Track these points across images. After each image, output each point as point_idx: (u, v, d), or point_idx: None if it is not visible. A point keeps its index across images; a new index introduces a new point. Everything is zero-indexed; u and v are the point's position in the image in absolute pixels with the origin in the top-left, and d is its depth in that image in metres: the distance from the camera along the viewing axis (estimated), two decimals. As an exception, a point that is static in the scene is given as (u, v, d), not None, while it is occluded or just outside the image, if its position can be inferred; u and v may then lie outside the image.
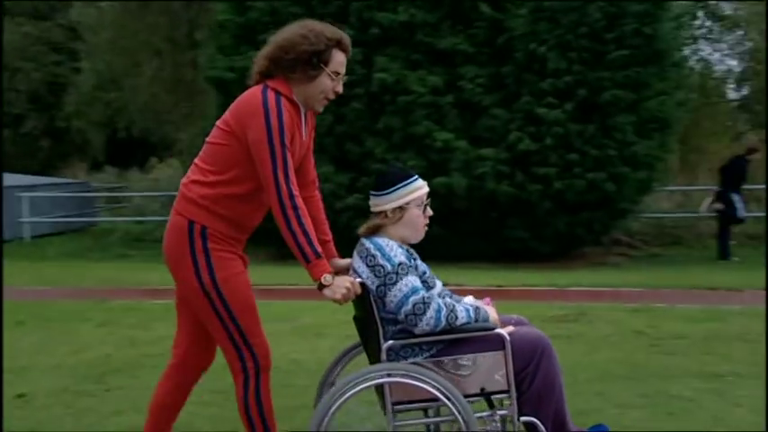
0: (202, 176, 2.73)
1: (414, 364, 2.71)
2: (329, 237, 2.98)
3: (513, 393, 2.73)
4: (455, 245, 10.90)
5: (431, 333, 2.69)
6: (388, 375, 2.65)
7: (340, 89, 2.79)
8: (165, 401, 2.90)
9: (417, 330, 2.69)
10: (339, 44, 2.75)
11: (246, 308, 2.74)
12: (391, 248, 2.75)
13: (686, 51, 15.75)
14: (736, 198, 11.15)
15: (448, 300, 2.78)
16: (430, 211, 2.90)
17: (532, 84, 10.92)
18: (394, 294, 2.69)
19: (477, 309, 2.77)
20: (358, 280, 2.71)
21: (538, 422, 2.74)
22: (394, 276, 2.70)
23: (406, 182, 2.85)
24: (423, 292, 2.69)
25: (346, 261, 2.91)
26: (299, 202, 2.61)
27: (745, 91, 18.52)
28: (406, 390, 2.67)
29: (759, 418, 3.74)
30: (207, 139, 2.78)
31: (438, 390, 2.62)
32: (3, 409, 3.92)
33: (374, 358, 2.81)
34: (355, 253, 2.85)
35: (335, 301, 2.63)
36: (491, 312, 2.82)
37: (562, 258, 11.63)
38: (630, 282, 8.89)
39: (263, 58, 2.76)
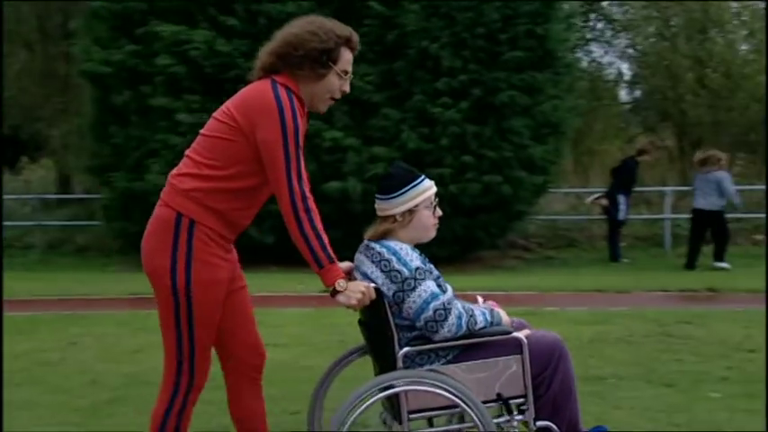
0: (197, 169, 2.63)
1: (430, 371, 2.71)
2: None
3: (530, 398, 2.76)
4: (353, 250, 10.86)
5: (449, 339, 2.70)
6: (405, 383, 2.65)
7: (347, 88, 2.77)
8: (245, 415, 2.84)
9: (437, 337, 2.69)
10: (348, 42, 2.73)
11: (209, 323, 2.65)
12: (406, 253, 2.74)
13: (578, 53, 16.42)
14: (621, 200, 11.63)
15: (465, 304, 2.77)
16: (439, 212, 2.89)
17: (425, 82, 11.06)
18: (413, 300, 2.68)
19: (492, 312, 2.79)
20: (372, 285, 2.67)
21: (554, 426, 2.77)
22: (412, 282, 2.69)
23: (413, 183, 2.83)
24: (443, 298, 2.69)
25: (347, 264, 2.84)
26: (312, 204, 2.57)
27: (637, 93, 19.47)
28: (422, 397, 2.68)
29: (638, 420, 3.89)
30: (202, 132, 2.70)
31: (457, 396, 2.62)
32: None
33: (383, 364, 2.81)
34: (362, 257, 2.81)
35: (349, 306, 2.61)
36: (503, 315, 2.84)
37: (459, 262, 11.81)
38: (523, 285, 9.12)
39: (268, 53, 2.69)
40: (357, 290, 2.60)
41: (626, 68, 18.91)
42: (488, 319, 2.76)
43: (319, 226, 2.57)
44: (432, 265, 2.80)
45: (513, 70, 10.99)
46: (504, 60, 10.96)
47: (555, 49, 11.20)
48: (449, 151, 11.02)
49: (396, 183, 2.82)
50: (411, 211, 2.82)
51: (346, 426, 2.58)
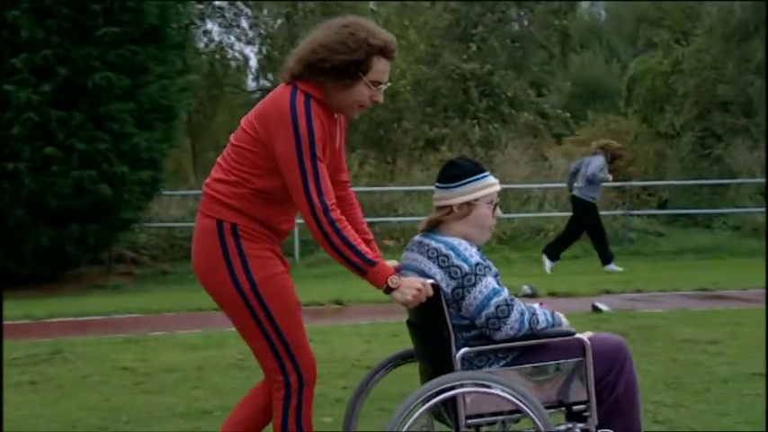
0: (225, 175, 2.98)
1: (489, 373, 2.87)
2: (370, 235, 3.18)
3: (593, 404, 2.89)
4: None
5: (511, 339, 2.87)
6: (472, 384, 2.81)
7: (379, 98, 3.00)
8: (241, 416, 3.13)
9: (498, 336, 2.87)
10: (383, 51, 2.93)
11: (289, 313, 2.98)
12: (465, 248, 2.93)
13: (194, 33, 16.59)
14: None
15: (525, 303, 2.94)
16: (499, 212, 3.07)
17: (-1, 57, 10.30)
18: (474, 297, 2.87)
19: (553, 314, 2.97)
20: (429, 281, 2.84)
21: None
22: (473, 278, 2.87)
23: (477, 176, 3.03)
24: (504, 294, 2.89)
25: (393, 263, 3.01)
26: (336, 214, 2.84)
27: (265, 82, 20.22)
28: (483, 401, 2.82)
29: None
30: (231, 140, 3.02)
31: (520, 400, 2.77)
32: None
33: (436, 368, 2.92)
34: (415, 255, 3.02)
35: (405, 303, 2.85)
36: (563, 318, 2.99)
37: (50, 282, 11.19)
38: (130, 307, 8.96)
39: (295, 60, 2.93)
40: (413, 286, 2.84)
41: (252, 53, 19.55)
42: (549, 319, 2.95)
43: (348, 234, 2.84)
44: (491, 262, 2.96)
45: (110, 46, 10.70)
46: (99, 36, 10.62)
47: (160, 24, 11.16)
48: (27, 142, 10.35)
49: (458, 172, 3.03)
50: (470, 204, 3.02)
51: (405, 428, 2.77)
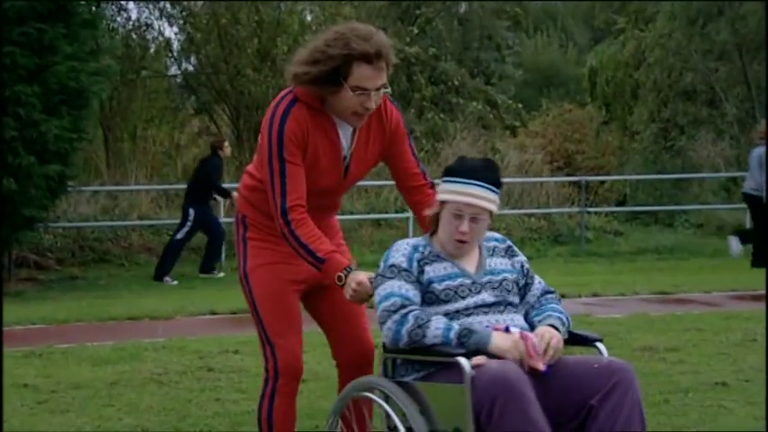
0: (247, 173, 3.64)
1: (396, 382, 3.12)
2: None
3: None
4: None
5: (397, 349, 3.11)
6: (356, 390, 3.20)
7: (369, 104, 3.31)
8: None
9: (384, 342, 3.15)
10: (364, 57, 3.23)
11: (269, 302, 3.47)
12: (399, 248, 3.25)
13: (108, 10, 16.34)
14: (191, 213, 12.00)
15: (438, 315, 3.10)
16: (464, 227, 3.18)
17: None
18: (375, 299, 3.17)
19: (469, 331, 3.05)
20: (371, 275, 3.23)
21: None
22: (379, 279, 3.18)
23: (455, 178, 3.23)
24: (395, 299, 3.10)
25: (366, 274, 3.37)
26: (293, 215, 3.31)
27: (189, 65, 20.00)
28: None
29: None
30: None
31: (397, 417, 3.03)
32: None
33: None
34: None
35: (350, 299, 3.29)
36: (497, 338, 3.04)
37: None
38: (31, 316, 8.81)
39: (289, 72, 3.36)
40: (354, 281, 3.25)
41: (173, 33, 19.30)
42: (451, 336, 3.03)
43: (301, 233, 3.30)
44: (435, 269, 3.20)
45: (14, 23, 10.48)
46: (2, 11, 10.40)
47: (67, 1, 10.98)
48: None
49: (452, 168, 3.27)
50: (441, 204, 3.26)
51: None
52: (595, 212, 16.59)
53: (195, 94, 19.21)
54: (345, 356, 3.66)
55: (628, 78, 21.26)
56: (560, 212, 16.20)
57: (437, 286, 3.19)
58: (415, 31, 19.22)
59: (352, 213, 14.75)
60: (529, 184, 16.85)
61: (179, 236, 12.21)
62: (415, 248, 3.25)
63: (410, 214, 13.61)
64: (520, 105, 20.83)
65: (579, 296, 9.76)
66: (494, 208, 3.27)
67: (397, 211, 15.12)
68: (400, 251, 3.23)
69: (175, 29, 18.91)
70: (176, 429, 4.86)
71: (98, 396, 5.56)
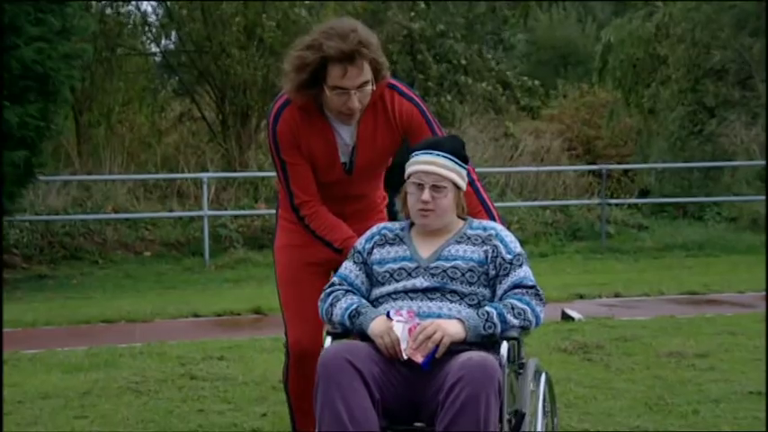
0: None
1: None
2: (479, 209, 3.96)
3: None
4: None
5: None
6: None
7: (353, 104, 3.68)
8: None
9: None
10: (337, 57, 3.59)
11: (286, 282, 4.06)
12: (371, 229, 3.74)
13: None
14: None
15: (350, 298, 3.57)
16: (425, 195, 3.56)
17: None
18: None
19: (358, 313, 3.51)
20: None
21: None
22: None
23: (417, 152, 3.65)
24: (335, 278, 3.66)
25: None
26: (304, 211, 3.91)
27: (169, 43, 19.99)
28: None
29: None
30: None
31: None
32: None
33: None
34: None
35: None
36: (375, 324, 3.43)
37: None
38: (-3, 319, 8.79)
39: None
40: None
41: (151, 7, 19.29)
42: (344, 317, 3.52)
43: (315, 226, 3.90)
44: (388, 251, 3.61)
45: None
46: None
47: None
48: None
49: (416, 146, 3.70)
50: (406, 182, 3.65)
51: None
52: (617, 205, 16.59)
53: (176, 75, 19.21)
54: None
55: (649, 55, 21.17)
56: (579, 205, 16.19)
57: (378, 269, 3.61)
58: (421, 4, 19.17)
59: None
60: (544, 173, 16.86)
61: None
62: (382, 230, 3.71)
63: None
64: (537, 82, 20.78)
65: (599, 297, 9.77)
66: (455, 177, 3.60)
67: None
68: (369, 232, 3.72)
69: (154, 2, 18.94)
70: (155, 443, 4.86)
71: (69, 407, 5.55)
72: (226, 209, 14.83)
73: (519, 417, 3.44)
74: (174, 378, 6.26)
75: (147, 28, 19.23)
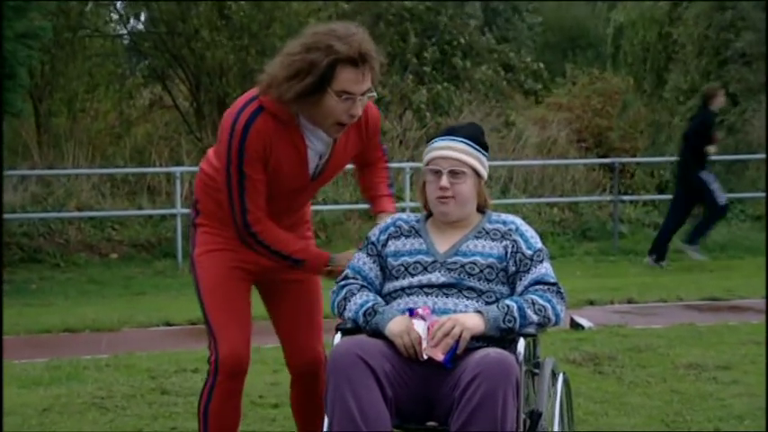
0: (209, 152, 4.13)
1: None
2: (385, 192, 4.23)
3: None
4: None
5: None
6: None
7: (356, 111, 3.71)
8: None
9: None
10: (348, 59, 3.62)
11: (212, 290, 3.93)
12: (386, 221, 3.88)
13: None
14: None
15: (365, 293, 3.68)
16: (443, 182, 3.66)
17: None
18: None
19: (374, 311, 3.60)
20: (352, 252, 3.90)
21: None
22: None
23: (435, 139, 3.80)
24: (347, 271, 3.78)
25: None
26: (257, 228, 3.83)
27: (138, 24, 19.96)
28: None
29: None
30: None
31: None
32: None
33: None
34: None
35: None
36: (394, 323, 3.52)
37: None
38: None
39: (266, 74, 3.78)
40: (344, 258, 3.91)
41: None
42: (359, 314, 3.62)
43: (270, 241, 3.84)
44: (404, 242, 3.74)
45: None
46: None
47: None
48: None
49: (433, 134, 3.76)
50: (424, 171, 3.77)
51: None
52: (631, 202, 16.61)
53: (146, 59, 19.17)
54: (295, 363, 4.18)
55: (662, 38, 21.17)
56: (589, 202, 16.22)
57: (393, 262, 3.73)
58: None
59: (337, 203, 14.75)
60: (551, 167, 16.87)
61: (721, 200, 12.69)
62: (397, 221, 3.84)
63: (407, 203, 13.62)
64: (542, 65, 20.78)
65: (611, 303, 9.78)
66: (474, 163, 3.72)
67: (390, 201, 15.09)
68: (384, 223, 3.85)
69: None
70: (123, 465, 4.87)
71: (27, 425, 5.54)
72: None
73: (535, 417, 3.52)
74: (144, 393, 6.25)
75: (112, 7, 19.20)
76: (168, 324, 9.06)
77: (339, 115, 3.72)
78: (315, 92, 3.67)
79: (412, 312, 3.52)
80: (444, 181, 3.66)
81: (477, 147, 3.74)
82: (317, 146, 3.88)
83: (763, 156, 17.32)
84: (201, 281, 3.94)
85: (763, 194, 16.58)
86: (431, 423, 3.53)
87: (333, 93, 3.66)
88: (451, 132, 3.76)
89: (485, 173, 3.77)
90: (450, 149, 3.70)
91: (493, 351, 3.39)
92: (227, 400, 3.90)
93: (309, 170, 3.91)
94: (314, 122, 3.80)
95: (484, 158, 3.76)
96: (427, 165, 3.74)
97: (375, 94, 3.79)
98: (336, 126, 3.77)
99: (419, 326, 3.47)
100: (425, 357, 3.43)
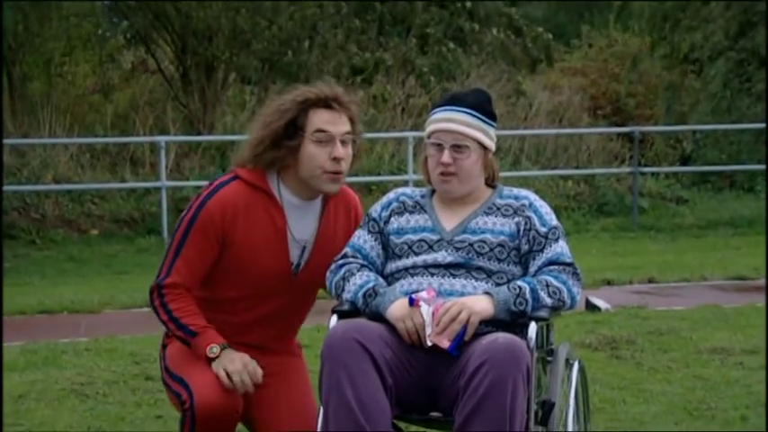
0: None
1: None
2: None
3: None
4: None
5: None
6: None
7: (339, 153, 3.78)
8: None
9: None
10: (319, 102, 3.81)
11: (178, 358, 3.91)
12: (388, 195, 3.85)
13: None
14: None
15: (366, 273, 3.64)
16: (445, 157, 3.63)
17: None
18: None
19: (375, 293, 3.56)
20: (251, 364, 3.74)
21: None
22: None
23: (436, 109, 3.76)
24: (347, 249, 3.73)
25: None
26: (170, 290, 3.80)
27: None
28: None
29: None
30: None
31: None
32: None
33: None
34: None
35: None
36: (395, 306, 3.48)
37: None
38: None
39: (240, 158, 3.97)
40: (235, 356, 3.72)
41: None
42: (359, 294, 3.58)
43: (174, 306, 3.79)
44: (407, 219, 3.70)
45: None
46: None
47: None
48: None
49: (436, 102, 3.86)
50: (425, 144, 3.78)
51: None
52: (652, 174, 16.60)
53: (127, 19, 19.10)
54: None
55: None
56: (606, 174, 16.21)
57: (395, 239, 3.70)
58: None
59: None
60: (565, 136, 16.85)
61: None
62: (400, 196, 3.80)
63: (409, 176, 13.61)
64: (550, 36, 20.74)
65: (630, 283, 9.79)
66: (479, 135, 3.67)
67: (392, 172, 15.11)
68: (385, 198, 3.82)
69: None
70: (104, 456, 4.88)
71: (9, 409, 5.49)
72: (188, 179, 14.83)
73: (548, 407, 3.48)
74: (127, 379, 6.26)
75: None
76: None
77: (323, 161, 3.76)
78: (291, 141, 3.78)
79: (412, 301, 3.45)
80: (446, 156, 3.62)
81: (482, 117, 3.69)
82: (299, 227, 3.88)
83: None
84: (169, 361, 3.95)
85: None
86: (434, 414, 3.50)
87: (309, 137, 3.77)
88: (454, 101, 3.71)
89: (492, 145, 3.71)
90: (453, 121, 3.66)
91: (502, 336, 3.35)
92: None
93: (291, 256, 3.87)
94: (303, 184, 3.84)
95: (490, 129, 3.71)
96: (428, 138, 3.71)
97: (357, 140, 3.87)
98: (326, 176, 3.78)
99: (423, 310, 3.43)
100: (430, 344, 3.40)
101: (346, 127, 3.81)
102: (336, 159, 3.77)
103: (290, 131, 3.79)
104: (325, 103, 3.80)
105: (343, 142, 3.79)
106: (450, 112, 3.68)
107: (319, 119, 3.79)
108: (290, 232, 3.86)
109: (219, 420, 3.67)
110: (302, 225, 3.88)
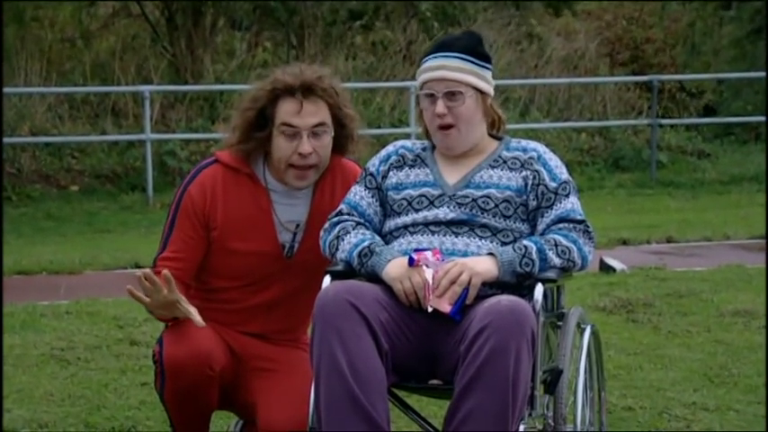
0: None
1: None
2: None
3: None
4: None
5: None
6: None
7: (304, 149, 3.82)
8: None
9: None
10: (287, 90, 3.84)
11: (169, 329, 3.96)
12: (387, 148, 3.86)
13: None
14: None
15: (361, 231, 3.64)
16: (440, 107, 3.62)
17: None
18: None
19: (371, 252, 3.55)
20: None
21: None
22: None
23: (427, 57, 3.76)
24: (342, 206, 3.75)
25: None
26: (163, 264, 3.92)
27: None
28: None
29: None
30: None
31: None
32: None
33: None
34: None
35: None
36: (391, 266, 3.47)
37: None
38: None
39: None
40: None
41: None
42: (353, 255, 3.58)
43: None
44: (409, 173, 3.72)
45: None
46: None
47: None
48: None
49: (426, 49, 3.75)
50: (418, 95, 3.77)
51: None
52: (671, 126, 16.57)
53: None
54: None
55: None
56: (623, 126, 16.18)
57: (394, 195, 3.71)
58: None
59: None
60: (579, 85, 16.80)
61: None
62: (400, 149, 3.81)
63: (411, 129, 13.60)
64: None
65: (648, 242, 9.81)
66: (472, 80, 3.65)
67: (393, 125, 15.09)
68: (384, 151, 3.84)
69: None
70: (86, 424, 4.90)
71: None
72: (174, 131, 14.82)
73: (556, 375, 3.49)
74: (110, 344, 6.29)
75: None
76: (137, 266, 9.01)
77: (288, 155, 3.82)
78: (260, 132, 3.87)
79: (413, 260, 3.43)
80: (440, 106, 3.61)
81: (474, 60, 3.67)
82: (288, 209, 3.96)
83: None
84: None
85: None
86: (434, 382, 3.49)
87: (275, 130, 3.85)
88: (443, 47, 3.70)
89: (488, 88, 3.70)
90: (443, 69, 3.65)
91: (505, 299, 3.33)
92: (177, 391, 3.87)
93: (281, 239, 3.94)
94: (274, 172, 3.93)
95: (485, 72, 3.70)
96: (421, 89, 3.71)
97: (332, 132, 3.87)
98: (292, 171, 3.86)
99: (427, 273, 3.40)
100: (430, 309, 3.39)
101: (316, 118, 3.82)
102: (302, 155, 3.81)
103: (261, 122, 3.88)
104: (293, 92, 3.83)
105: (315, 134, 3.82)
106: (440, 59, 3.67)
107: (285, 111, 3.84)
108: (276, 214, 3.94)
109: (189, 375, 3.75)
110: (292, 207, 3.96)
